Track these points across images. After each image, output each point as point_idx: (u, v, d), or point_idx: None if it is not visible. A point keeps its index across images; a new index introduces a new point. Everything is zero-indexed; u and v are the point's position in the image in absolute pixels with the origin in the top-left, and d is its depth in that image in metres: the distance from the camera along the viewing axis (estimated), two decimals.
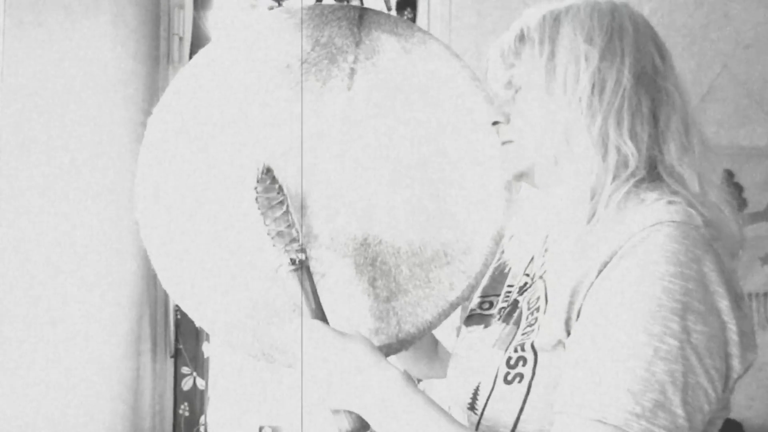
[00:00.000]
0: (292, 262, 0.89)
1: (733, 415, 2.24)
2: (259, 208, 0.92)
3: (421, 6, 2.33)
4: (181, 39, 2.22)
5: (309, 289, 0.89)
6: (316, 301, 0.89)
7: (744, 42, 2.33)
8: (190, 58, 2.18)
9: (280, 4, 2.27)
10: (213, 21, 2.25)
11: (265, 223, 0.91)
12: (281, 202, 0.92)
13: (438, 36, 2.25)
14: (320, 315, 0.88)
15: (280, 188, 0.93)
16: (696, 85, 2.29)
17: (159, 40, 2.23)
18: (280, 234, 0.90)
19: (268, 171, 0.93)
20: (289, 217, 0.92)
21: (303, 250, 0.91)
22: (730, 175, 2.31)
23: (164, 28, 2.24)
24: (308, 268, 0.91)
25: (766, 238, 2.31)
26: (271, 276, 0.93)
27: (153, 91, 2.15)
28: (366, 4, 2.30)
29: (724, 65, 2.32)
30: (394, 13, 2.34)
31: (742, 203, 2.31)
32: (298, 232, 0.92)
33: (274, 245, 0.91)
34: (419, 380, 2.21)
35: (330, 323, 0.89)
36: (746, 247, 2.46)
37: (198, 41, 2.22)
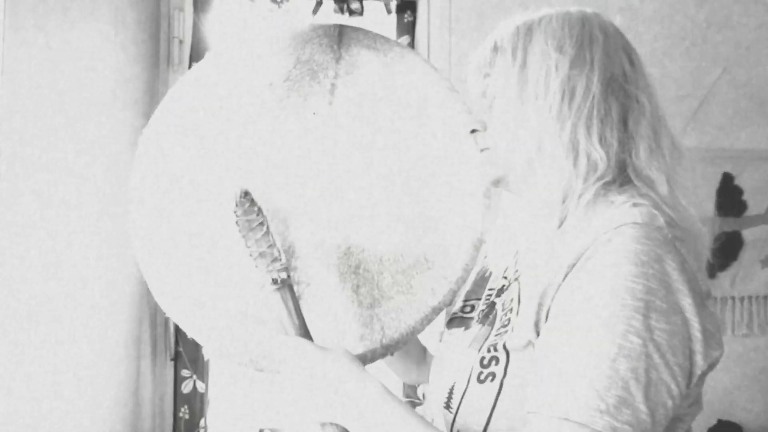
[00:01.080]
0: (274, 281, 0.92)
1: (733, 418, 2.24)
2: (240, 231, 0.95)
3: (421, 9, 2.33)
4: (181, 42, 2.23)
5: (292, 306, 0.92)
6: (300, 318, 0.92)
7: (744, 44, 2.33)
8: (190, 60, 2.20)
9: (279, 6, 2.27)
10: (213, 24, 2.25)
11: (246, 245, 0.94)
12: (261, 224, 0.95)
13: (437, 39, 2.26)
14: (303, 331, 0.91)
15: (259, 210, 0.96)
16: (696, 88, 2.29)
17: (159, 43, 2.24)
18: (262, 255, 0.93)
19: (246, 194, 0.96)
20: (270, 238, 0.95)
21: (285, 269, 0.93)
22: (730, 177, 2.31)
23: (164, 31, 2.24)
24: (291, 286, 0.93)
25: (766, 241, 2.31)
26: (258, 286, 0.96)
27: (153, 93, 2.16)
28: (367, 9, 2.30)
29: (724, 68, 2.32)
30: (394, 16, 2.34)
31: (742, 206, 2.31)
32: (279, 251, 0.94)
33: (256, 266, 0.93)
34: (419, 384, 2.22)
35: (314, 337, 0.91)
36: (746, 250, 2.47)
37: (198, 44, 2.22)
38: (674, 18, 2.28)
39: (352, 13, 2.29)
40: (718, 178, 2.31)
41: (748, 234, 2.30)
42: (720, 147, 2.30)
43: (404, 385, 2.23)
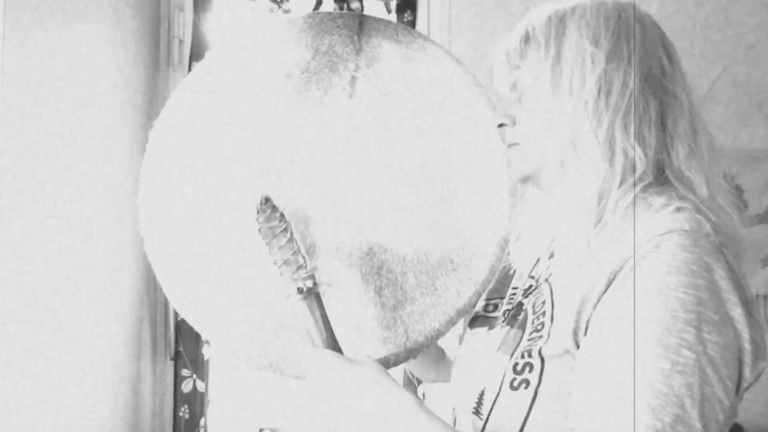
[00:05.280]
0: (300, 290, 0.88)
1: None
2: (263, 239, 0.91)
3: (420, 9, 2.33)
4: (181, 41, 2.22)
5: (320, 316, 0.88)
6: (328, 328, 0.88)
7: (745, 44, 2.33)
8: (190, 60, 2.20)
9: (279, 6, 2.27)
10: (213, 23, 2.25)
11: (270, 252, 0.90)
12: (285, 230, 0.91)
13: (437, 39, 2.26)
14: (332, 343, 0.87)
15: (282, 216, 0.92)
16: (696, 87, 2.27)
17: (159, 42, 2.23)
18: (286, 262, 0.90)
19: (267, 201, 0.93)
20: (294, 244, 0.91)
21: (311, 277, 0.90)
22: (730, 177, 2.31)
23: (164, 30, 2.24)
24: (318, 295, 0.90)
25: (767, 241, 2.32)
26: (279, 289, 0.93)
27: (153, 93, 2.15)
28: (366, 7, 2.30)
29: (724, 67, 2.32)
30: (394, 15, 2.34)
31: (742, 205, 2.31)
32: (304, 258, 0.91)
33: (281, 274, 0.90)
34: (420, 382, 2.22)
35: (339, 341, 0.88)
36: (747, 249, 2.46)
37: (198, 44, 2.22)
38: (674, 17, 2.28)
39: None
40: None
41: (748, 233, 2.30)
42: (720, 146, 2.29)
43: (404, 383, 2.23)
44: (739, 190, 2.31)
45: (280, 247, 0.90)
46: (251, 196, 0.95)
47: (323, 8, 2.27)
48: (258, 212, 0.92)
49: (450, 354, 1.17)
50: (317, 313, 0.88)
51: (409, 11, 2.34)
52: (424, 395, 2.26)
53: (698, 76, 2.30)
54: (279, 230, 0.91)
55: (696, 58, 2.30)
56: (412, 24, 2.34)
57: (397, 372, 2.14)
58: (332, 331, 0.88)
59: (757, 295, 2.31)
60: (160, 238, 0.97)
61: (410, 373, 1.70)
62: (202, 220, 0.97)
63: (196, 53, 2.19)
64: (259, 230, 0.92)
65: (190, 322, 0.96)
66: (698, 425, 0.67)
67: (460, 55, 1.08)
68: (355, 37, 1.04)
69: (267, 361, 0.95)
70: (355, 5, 2.28)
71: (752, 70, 2.33)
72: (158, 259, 0.97)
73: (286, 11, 2.27)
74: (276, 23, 1.05)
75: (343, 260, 0.98)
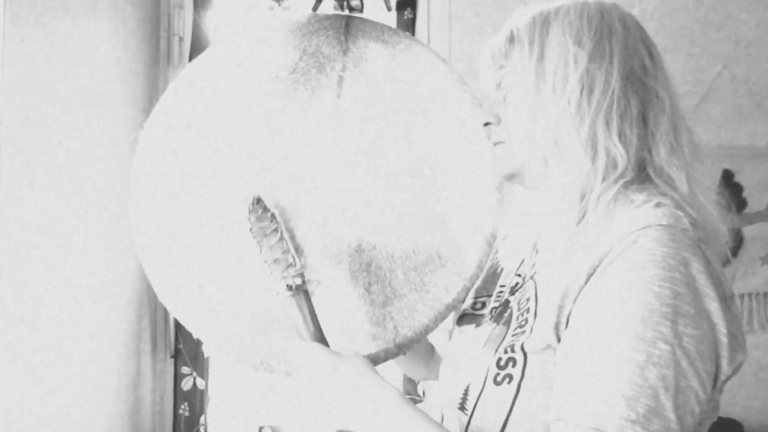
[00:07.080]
0: (289, 288, 0.90)
1: (733, 415, 2.24)
2: (254, 238, 0.93)
3: (420, 6, 2.33)
4: (181, 39, 2.23)
5: (308, 312, 0.90)
6: (315, 324, 0.90)
7: (744, 42, 2.33)
8: (190, 58, 2.20)
9: (279, 4, 2.27)
10: (213, 21, 2.25)
11: (261, 252, 0.93)
12: (275, 230, 0.94)
13: (438, 36, 2.26)
14: (319, 338, 0.89)
15: (273, 216, 0.94)
16: (696, 85, 2.29)
17: (159, 40, 2.23)
18: (276, 261, 0.92)
19: (258, 201, 0.95)
20: (284, 243, 0.93)
21: (300, 275, 0.92)
22: (730, 174, 2.31)
23: (164, 28, 2.24)
24: (306, 292, 0.92)
25: (766, 238, 2.31)
26: (267, 286, 0.94)
27: (153, 91, 2.16)
28: (366, 5, 2.30)
29: (724, 65, 2.32)
30: (394, 13, 2.34)
31: (742, 203, 2.31)
32: (294, 257, 0.93)
33: (271, 273, 0.92)
34: (418, 382, 2.22)
35: (329, 340, 0.90)
36: (746, 247, 2.47)
37: (198, 41, 2.22)
38: (674, 15, 2.28)
39: (352, 9, 2.29)
40: (718, 175, 2.30)
41: (748, 231, 2.30)
42: (720, 144, 2.30)
43: (404, 382, 2.23)
44: (738, 188, 2.31)
45: (271, 247, 0.92)
46: (241, 195, 0.96)
47: (323, 5, 2.27)
48: (249, 212, 0.94)
49: (440, 351, 1.18)
50: (305, 309, 0.90)
51: (409, 9, 2.34)
52: (424, 392, 2.27)
53: (698, 74, 2.30)
54: (270, 230, 0.93)
55: (696, 56, 2.30)
56: (413, 22, 2.34)
57: (397, 370, 2.14)
58: (320, 327, 0.90)
59: (757, 293, 2.31)
60: (151, 239, 0.98)
61: None
62: (193, 221, 0.98)
63: (196, 51, 2.19)
64: (251, 230, 0.94)
65: (180, 320, 0.98)
66: (672, 416, 0.68)
67: (459, 53, 1.09)
68: (342, 38, 1.05)
69: (257, 359, 0.96)
70: (354, 3, 2.28)
71: (752, 68, 2.33)
72: (149, 261, 0.98)
73: (286, 9, 2.27)
74: (264, 25, 1.07)
75: (332, 258, 0.99)
